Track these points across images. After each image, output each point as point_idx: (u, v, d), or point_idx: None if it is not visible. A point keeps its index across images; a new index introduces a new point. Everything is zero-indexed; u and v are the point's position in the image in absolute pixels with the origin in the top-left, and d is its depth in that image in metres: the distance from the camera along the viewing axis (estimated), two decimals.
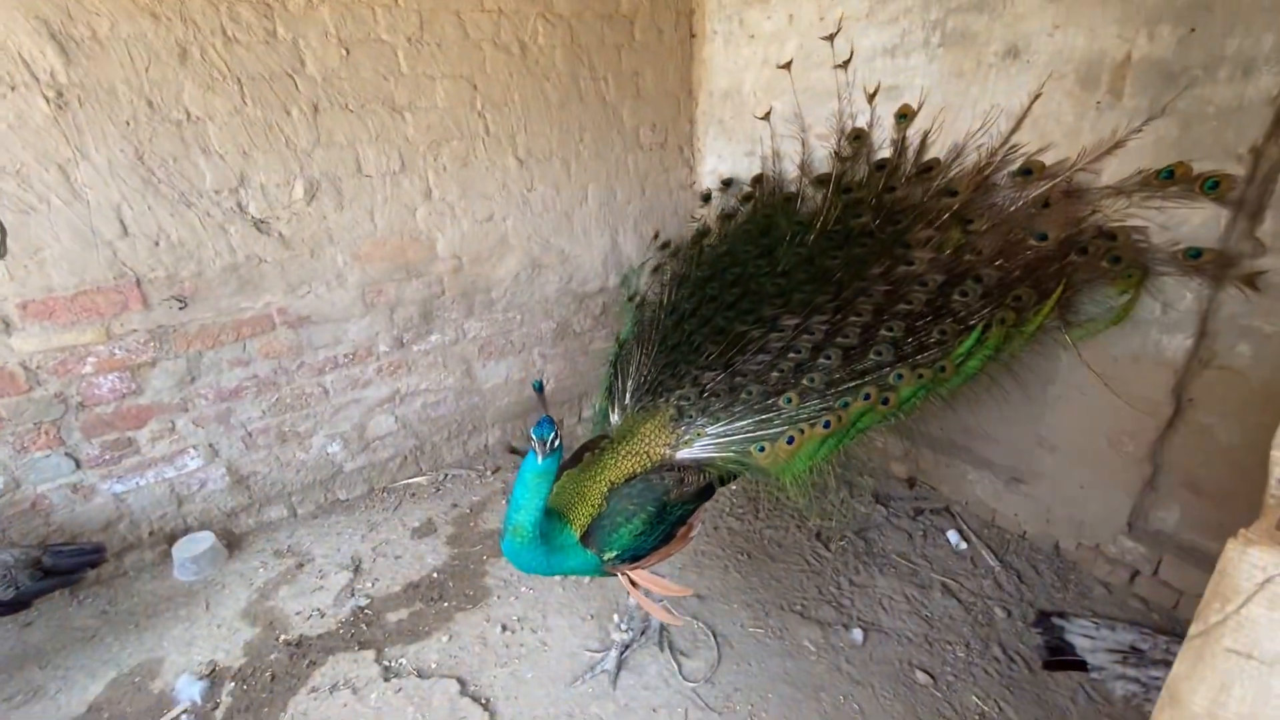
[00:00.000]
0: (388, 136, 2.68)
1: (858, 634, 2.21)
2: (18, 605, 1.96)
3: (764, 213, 2.88)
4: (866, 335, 2.03)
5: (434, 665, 2.15)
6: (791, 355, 2.03)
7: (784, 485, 1.94)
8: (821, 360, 1.99)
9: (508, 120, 2.96)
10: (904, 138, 2.51)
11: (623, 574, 1.79)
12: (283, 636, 2.29)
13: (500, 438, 3.49)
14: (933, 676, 2.06)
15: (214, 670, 2.16)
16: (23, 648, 2.28)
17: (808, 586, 2.45)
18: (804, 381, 1.95)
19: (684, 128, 3.58)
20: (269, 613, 2.41)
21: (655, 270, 3.02)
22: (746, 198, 3.12)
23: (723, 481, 1.95)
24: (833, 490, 2.99)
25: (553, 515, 1.73)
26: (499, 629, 2.28)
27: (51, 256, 2.20)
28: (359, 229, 2.74)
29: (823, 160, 2.87)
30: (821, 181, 2.74)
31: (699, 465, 1.88)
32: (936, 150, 2.46)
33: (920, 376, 1.91)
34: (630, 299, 2.96)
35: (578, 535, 1.73)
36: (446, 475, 3.28)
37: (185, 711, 2.00)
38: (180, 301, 2.44)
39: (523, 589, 2.46)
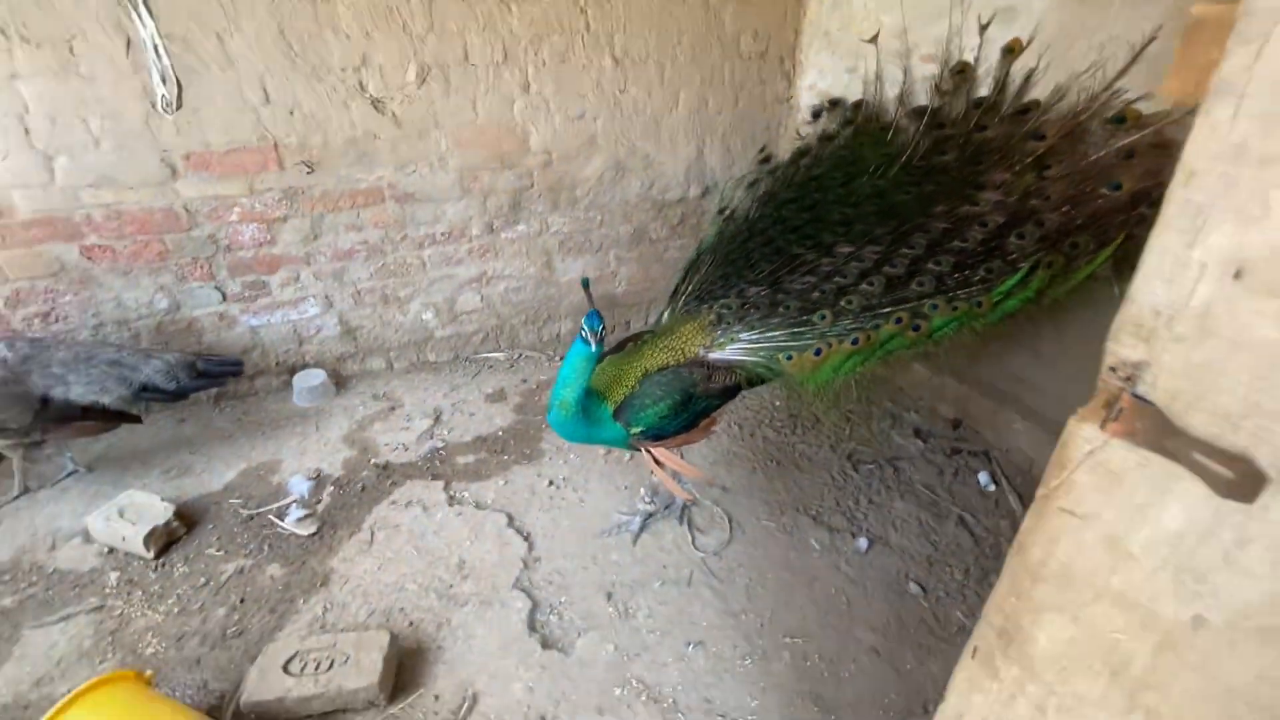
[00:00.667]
0: (494, 27, 2.83)
1: (863, 542, 2.40)
2: (177, 396, 2.49)
3: (858, 140, 2.81)
4: (913, 266, 2.07)
5: (489, 501, 2.55)
6: (836, 279, 2.12)
7: (806, 393, 2.07)
8: (864, 286, 2.08)
9: (608, 18, 3.02)
10: (1007, 74, 2.37)
11: (646, 449, 2.02)
12: (373, 460, 2.77)
13: (571, 329, 3.78)
14: (924, 590, 2.23)
15: (319, 475, 2.67)
16: (178, 438, 2.89)
17: (826, 497, 2.63)
18: (841, 303, 2.05)
19: (788, 38, 3.48)
20: (364, 440, 2.90)
21: (750, 185, 2.96)
22: (846, 122, 3.04)
23: (750, 384, 2.11)
24: (875, 418, 3.12)
25: (592, 393, 1.97)
26: (546, 483, 2.64)
27: (209, 116, 2.57)
28: (462, 116, 2.97)
29: (924, 89, 2.75)
30: (917, 114, 2.64)
31: (728, 366, 2.05)
32: (1039, 90, 2.32)
33: (955, 309, 1.97)
34: (720, 211, 3.00)
35: (611, 410, 1.98)
36: (521, 354, 3.64)
37: (295, 501, 2.51)
38: (308, 167, 2.80)
39: (571, 456, 2.80)
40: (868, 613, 2.14)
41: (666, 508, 2.51)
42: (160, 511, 2.32)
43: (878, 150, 2.59)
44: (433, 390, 3.28)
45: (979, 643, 0.91)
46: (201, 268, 2.84)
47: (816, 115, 3.27)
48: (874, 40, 2.97)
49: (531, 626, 2.04)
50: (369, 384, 3.32)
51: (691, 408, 1.99)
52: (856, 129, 2.90)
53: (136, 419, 2.54)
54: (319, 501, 2.54)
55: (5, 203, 2.44)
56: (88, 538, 2.30)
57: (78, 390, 2.25)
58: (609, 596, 2.16)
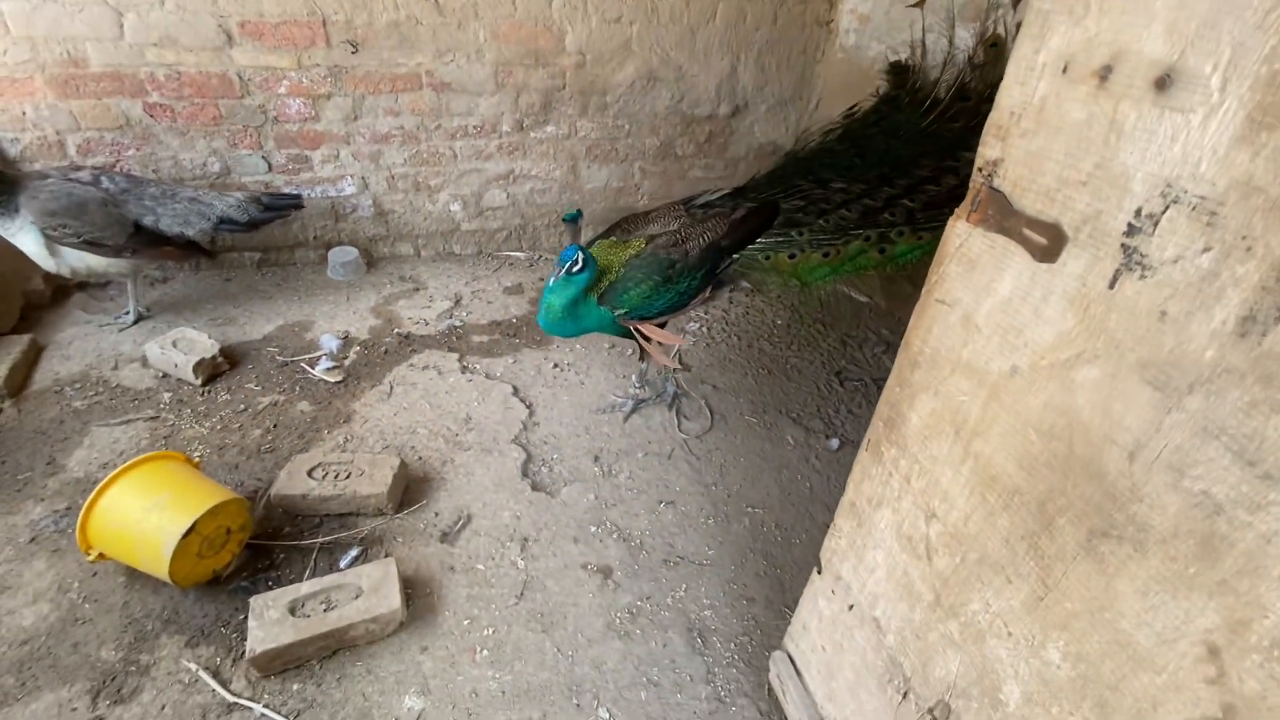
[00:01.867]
0: None
1: (835, 443, 2.59)
2: (250, 227, 2.84)
3: (895, 108, 2.77)
4: (889, 202, 2.27)
5: (499, 374, 2.79)
6: (821, 205, 2.30)
7: (779, 285, 2.32)
8: (842, 212, 2.27)
9: None
10: None
11: (633, 327, 2.19)
12: (396, 330, 3.01)
13: (591, 237, 3.93)
14: None
15: (347, 336, 2.92)
16: (224, 293, 3.16)
17: (808, 403, 2.81)
18: (819, 222, 2.26)
19: None
20: (389, 313, 3.14)
21: (827, 133, 2.81)
22: (897, 84, 2.92)
23: (731, 281, 2.31)
24: (871, 344, 3.25)
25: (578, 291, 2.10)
26: (552, 365, 2.87)
27: None
28: (501, 9, 3.06)
29: (961, 48, 2.69)
30: (950, 84, 2.62)
31: (713, 247, 2.19)
32: None
33: (920, 239, 2.20)
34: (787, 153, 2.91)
35: (595, 299, 2.14)
36: (541, 256, 3.82)
37: (325, 354, 2.78)
38: (353, 46, 2.94)
39: (577, 345, 3.01)
40: (827, 498, 2.35)
41: (658, 396, 2.71)
42: (208, 346, 2.60)
43: (908, 116, 2.62)
44: (455, 278, 3.49)
45: (871, 435, 1.09)
46: (251, 136, 3.04)
47: (893, 72, 3.00)
48: (920, 5, 2.90)
49: (524, 473, 2.29)
50: (397, 266, 3.54)
51: (674, 287, 2.14)
52: (904, 94, 2.80)
53: (210, 253, 2.90)
54: (346, 357, 2.81)
55: (79, 54, 2.65)
56: (145, 363, 2.60)
57: (166, 221, 2.61)
58: (595, 459, 2.40)
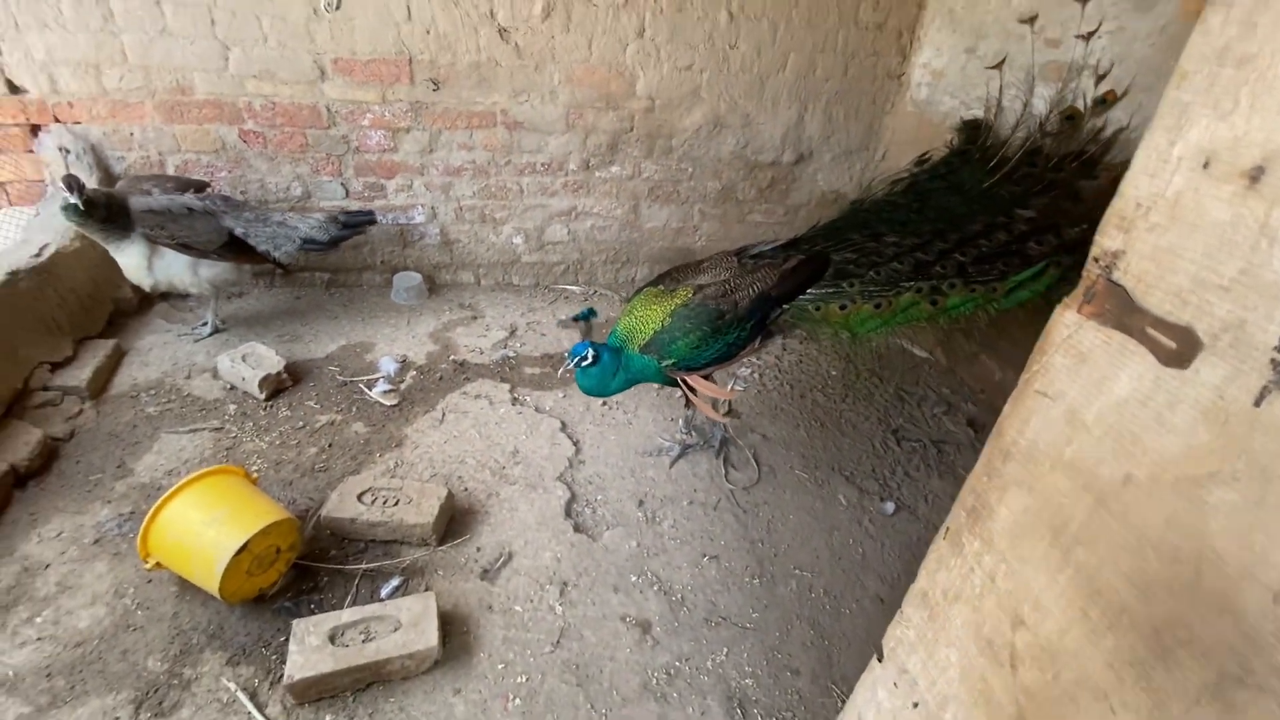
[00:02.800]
0: None
1: (890, 506, 2.47)
2: (331, 245, 2.99)
3: (960, 163, 2.74)
4: (941, 255, 2.25)
5: (548, 407, 2.79)
6: (873, 257, 2.27)
7: (830, 336, 2.30)
8: (894, 265, 2.24)
9: None
10: (1101, 129, 2.35)
11: (680, 379, 2.15)
12: (452, 357, 3.06)
13: (647, 274, 3.95)
14: None
15: (405, 360, 2.99)
16: (293, 310, 3.29)
17: (863, 462, 2.71)
18: (870, 274, 2.23)
19: (910, 11, 3.44)
20: (447, 340, 3.20)
21: (894, 182, 2.82)
22: (968, 140, 2.89)
23: (775, 322, 2.24)
24: (930, 403, 3.13)
25: (615, 350, 2.13)
26: (601, 403, 2.85)
27: (360, 25, 2.88)
28: (576, 54, 3.15)
29: (1036, 114, 2.63)
30: (1019, 146, 2.57)
31: (763, 297, 2.13)
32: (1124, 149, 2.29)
33: (972, 291, 2.18)
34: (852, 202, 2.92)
35: (637, 349, 2.12)
36: (596, 291, 3.85)
37: (383, 377, 2.84)
38: (435, 84, 3.07)
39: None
40: (880, 566, 2.24)
41: (705, 442, 2.66)
42: (274, 362, 2.69)
43: (974, 172, 2.59)
44: (512, 308, 3.55)
45: (951, 524, 1.02)
46: (332, 164, 3.19)
47: (967, 130, 2.98)
48: (998, 67, 2.84)
49: (568, 513, 2.26)
50: (457, 294, 3.62)
51: (722, 338, 2.10)
52: (976, 151, 2.75)
53: (285, 268, 3.01)
54: (402, 381, 2.86)
55: (187, 82, 2.85)
56: (216, 374, 2.71)
57: (255, 239, 2.79)
58: (640, 504, 2.35)
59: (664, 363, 2.10)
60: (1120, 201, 0.72)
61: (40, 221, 2.69)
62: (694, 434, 2.68)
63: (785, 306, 2.18)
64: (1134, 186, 0.71)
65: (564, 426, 2.68)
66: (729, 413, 2.75)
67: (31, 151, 2.77)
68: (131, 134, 2.89)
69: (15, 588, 1.80)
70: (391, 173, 3.28)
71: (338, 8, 2.79)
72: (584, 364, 2.05)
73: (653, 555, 2.15)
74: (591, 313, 2.22)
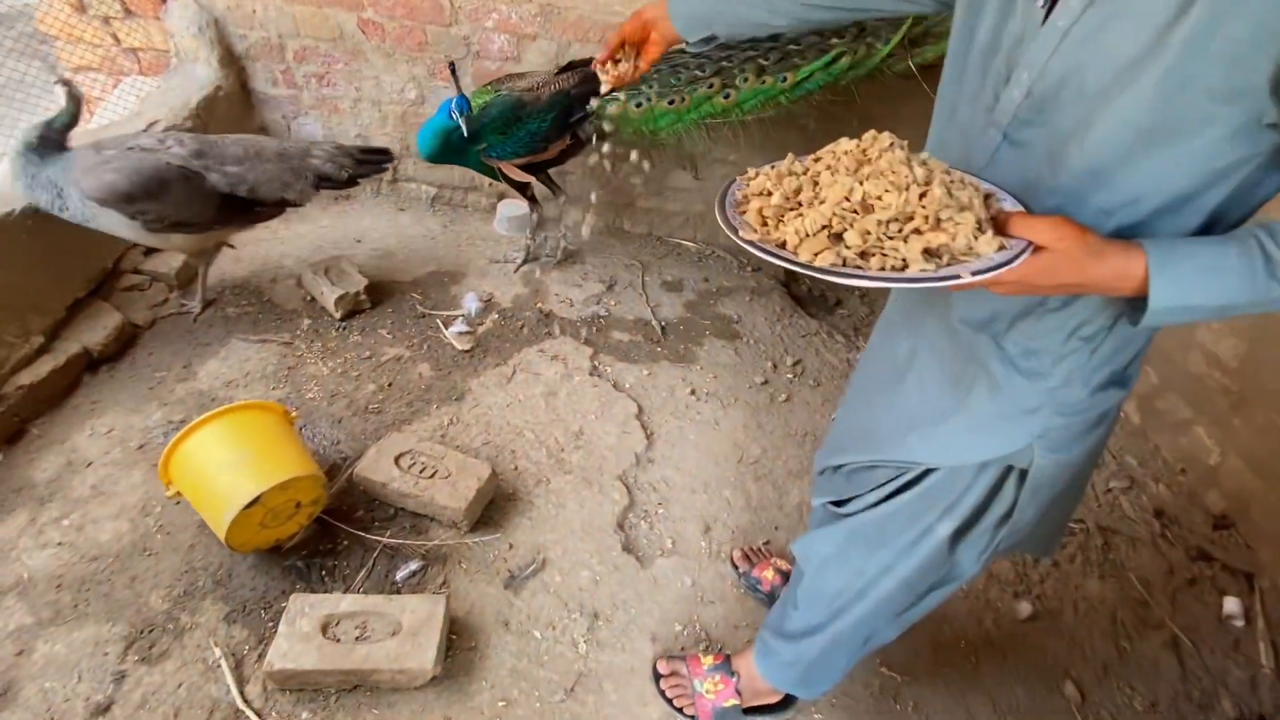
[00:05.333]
0: None
1: (1025, 607, 1.92)
2: (350, 183, 2.40)
3: None
4: (745, 60, 2.34)
5: (628, 385, 2.44)
6: (676, 64, 2.38)
7: (629, 133, 2.50)
8: (695, 71, 2.37)
9: None
10: None
11: (495, 165, 2.43)
12: (539, 305, 2.76)
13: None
14: (1082, 695, 1.75)
15: (490, 300, 2.73)
16: (393, 224, 3.11)
17: None
18: (671, 80, 2.38)
19: None
20: (538, 283, 2.90)
21: None
22: None
23: (588, 136, 2.54)
24: (1111, 474, 2.45)
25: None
26: (689, 390, 2.46)
27: None
28: None
29: None
30: None
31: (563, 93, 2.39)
32: None
33: (763, 82, 2.30)
34: None
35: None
36: (713, 251, 3.37)
37: (463, 315, 2.60)
38: None
39: (724, 374, 2.57)
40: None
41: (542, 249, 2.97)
42: (355, 281, 2.52)
43: None
44: (616, 257, 3.17)
45: None
46: (441, 71, 2.88)
47: None
48: None
49: (619, 524, 1.94)
50: (562, 230, 3.29)
51: (524, 126, 2.34)
52: None
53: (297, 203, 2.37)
54: (481, 323, 2.62)
55: None
56: (299, 283, 2.59)
57: (265, 189, 2.17)
58: (707, 530, 1.98)
59: (479, 145, 2.33)
60: None
61: (156, 96, 2.62)
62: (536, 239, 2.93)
63: (589, 107, 2.32)
64: None
65: (640, 412, 2.33)
66: (533, 198, 2.84)
67: (159, 19, 2.68)
68: (254, 10, 2.72)
69: (55, 481, 1.77)
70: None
71: None
72: (464, 115, 2.16)
73: (707, 603, 1.79)
74: (455, 64, 2.29)
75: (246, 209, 2.22)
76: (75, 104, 1.92)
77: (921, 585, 1.25)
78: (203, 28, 2.67)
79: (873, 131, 0.87)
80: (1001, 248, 0.76)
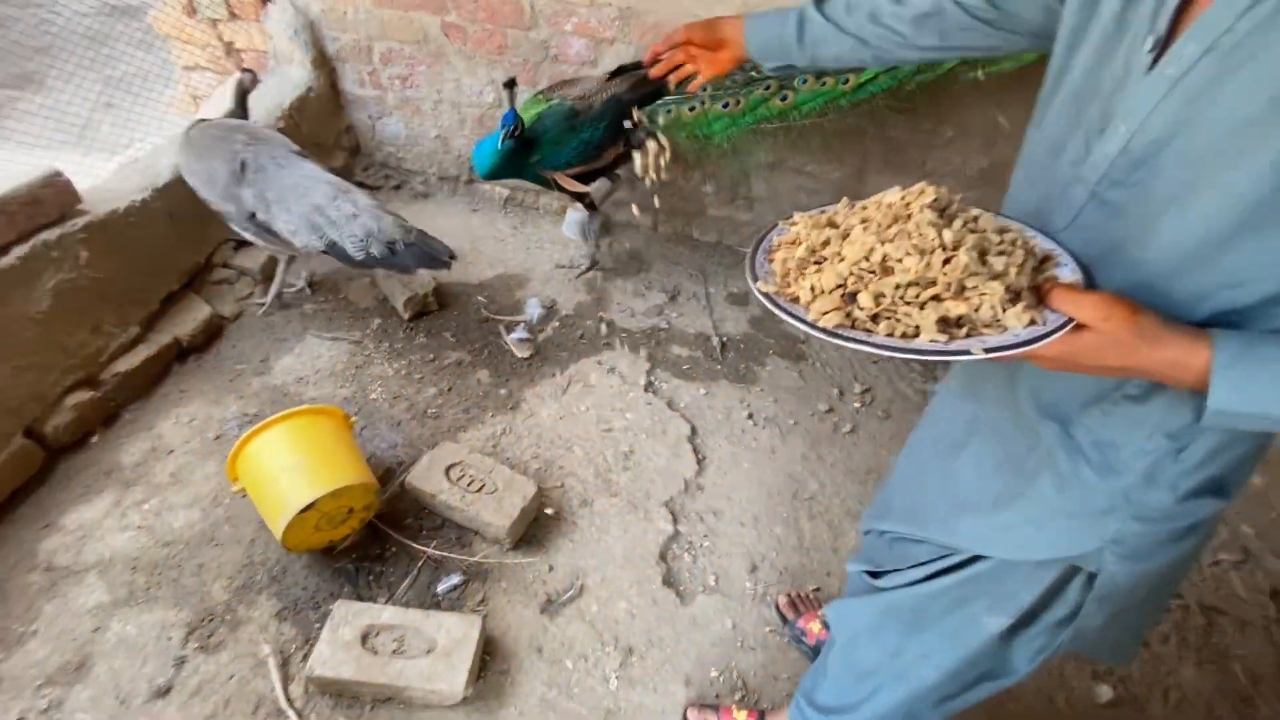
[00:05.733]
0: None
1: (1106, 691, 1.73)
2: (360, 265, 2.12)
3: None
4: None
5: (683, 404, 2.37)
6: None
7: (684, 141, 2.39)
8: (751, 73, 2.25)
9: None
10: None
11: (549, 176, 2.35)
12: (601, 314, 2.74)
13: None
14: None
15: (552, 306, 2.73)
16: (464, 226, 3.16)
17: None
18: (725, 82, 2.25)
19: None
20: (601, 291, 2.87)
21: None
22: None
23: (640, 142, 2.35)
24: (1214, 543, 2.17)
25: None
26: (746, 414, 2.37)
27: None
28: None
29: None
30: None
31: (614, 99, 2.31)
32: None
33: (823, 84, 2.18)
34: None
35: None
36: None
37: (524, 322, 2.61)
38: None
39: (785, 397, 2.46)
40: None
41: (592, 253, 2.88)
42: (424, 282, 2.58)
43: None
44: (682, 267, 3.09)
45: None
46: (528, 71, 2.88)
47: None
48: None
49: (662, 555, 1.89)
50: (629, 236, 3.25)
51: (577, 135, 2.27)
52: None
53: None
54: (542, 330, 2.62)
55: None
56: (373, 281, 2.67)
57: (281, 222, 2.05)
58: (753, 569, 1.90)
59: (533, 158, 2.28)
60: None
61: (255, 95, 2.76)
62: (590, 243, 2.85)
63: (640, 115, 2.30)
64: None
65: (693, 434, 2.26)
66: (592, 205, 2.73)
67: (260, 21, 2.82)
68: (345, 13, 2.82)
69: (140, 465, 1.90)
70: None
71: None
72: (515, 134, 2.12)
73: (748, 649, 1.71)
74: (514, 81, 2.20)
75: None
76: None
77: (969, 675, 1.13)
78: (298, 30, 2.79)
79: (923, 184, 0.81)
80: (1032, 322, 0.70)
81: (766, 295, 0.80)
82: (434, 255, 2.14)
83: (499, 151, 2.18)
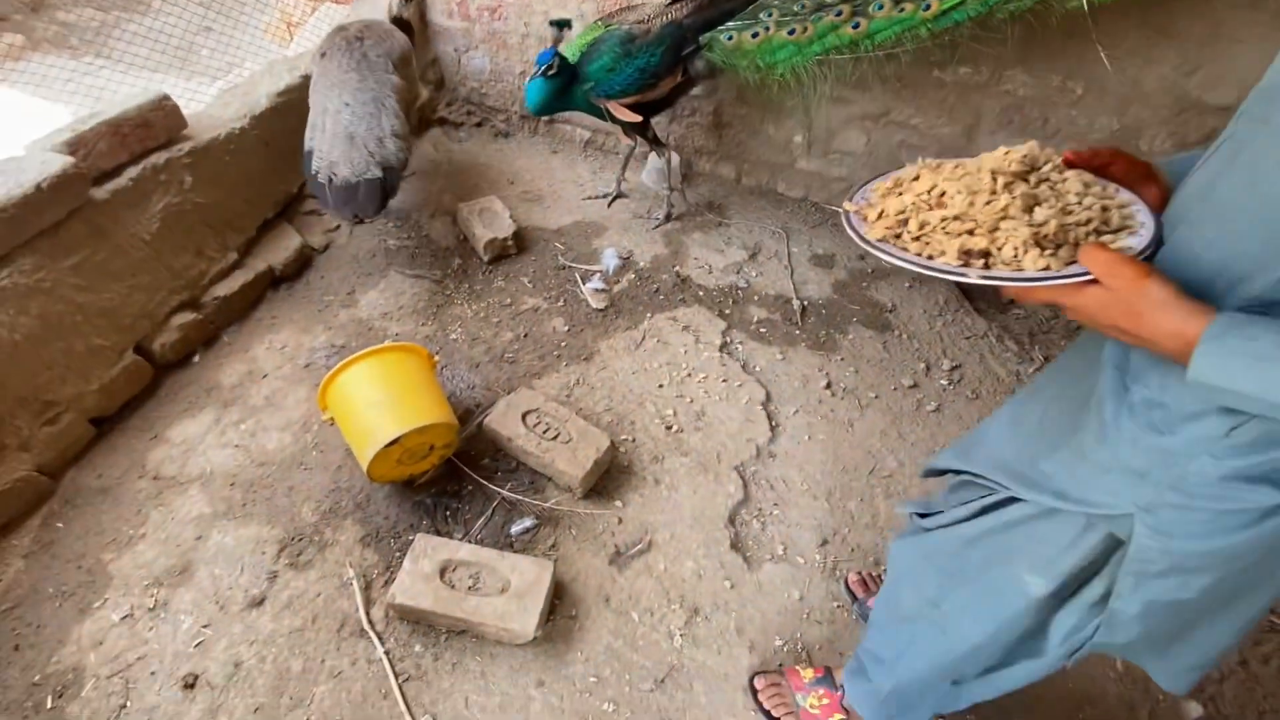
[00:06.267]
0: None
1: (1196, 710, 1.63)
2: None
3: None
4: None
5: (758, 368, 2.31)
6: None
7: (747, 71, 2.23)
8: None
9: None
10: None
11: (603, 105, 2.29)
12: (677, 268, 2.66)
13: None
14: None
15: (629, 257, 2.67)
16: (545, 167, 3.10)
17: None
18: (793, 7, 2.10)
19: None
20: (679, 244, 2.79)
21: None
22: None
23: (699, 73, 2.33)
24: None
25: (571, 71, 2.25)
26: (824, 383, 2.28)
27: None
28: None
29: None
30: None
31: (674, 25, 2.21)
32: None
33: (901, 10, 1.95)
34: None
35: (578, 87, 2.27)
36: None
37: (600, 271, 2.57)
38: None
39: (866, 367, 2.35)
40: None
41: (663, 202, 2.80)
42: (505, 225, 2.56)
43: None
44: (764, 223, 2.96)
45: None
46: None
47: None
48: None
49: (731, 519, 1.86)
50: (710, 187, 3.12)
51: (633, 61, 2.19)
52: None
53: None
54: (618, 281, 2.57)
55: None
56: (454, 220, 2.68)
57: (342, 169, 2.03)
58: (824, 543, 1.85)
59: (584, 86, 2.25)
60: None
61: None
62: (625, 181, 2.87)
63: (701, 41, 2.21)
64: None
65: (768, 399, 2.20)
66: (656, 141, 2.63)
67: None
68: None
69: (238, 387, 2.00)
70: None
71: None
72: (549, 73, 2.14)
73: (814, 622, 1.69)
74: (568, 23, 2.23)
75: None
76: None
77: (1009, 638, 1.07)
78: None
79: (1031, 143, 0.88)
80: (1047, 268, 0.75)
81: (842, 210, 0.95)
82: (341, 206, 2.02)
83: (540, 87, 2.19)
